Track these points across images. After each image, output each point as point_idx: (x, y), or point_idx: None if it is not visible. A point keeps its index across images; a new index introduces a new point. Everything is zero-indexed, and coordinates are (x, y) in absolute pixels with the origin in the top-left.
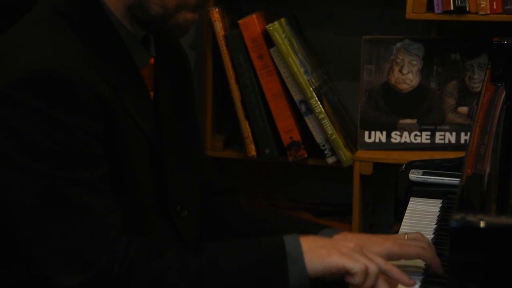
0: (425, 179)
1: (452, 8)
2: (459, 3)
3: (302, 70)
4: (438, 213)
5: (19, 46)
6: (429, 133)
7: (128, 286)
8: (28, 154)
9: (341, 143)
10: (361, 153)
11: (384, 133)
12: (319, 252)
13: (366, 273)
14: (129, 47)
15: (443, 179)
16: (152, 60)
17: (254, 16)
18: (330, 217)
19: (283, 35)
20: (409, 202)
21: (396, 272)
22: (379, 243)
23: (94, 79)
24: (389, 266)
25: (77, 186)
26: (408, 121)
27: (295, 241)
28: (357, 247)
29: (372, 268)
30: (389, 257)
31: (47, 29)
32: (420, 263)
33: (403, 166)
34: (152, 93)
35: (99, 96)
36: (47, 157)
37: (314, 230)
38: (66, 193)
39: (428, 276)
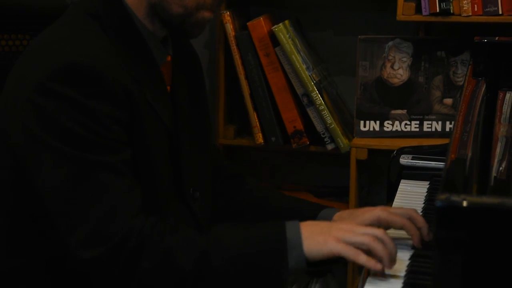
0: (414, 163)
1: (438, 10)
2: (444, 6)
3: (304, 66)
4: (425, 194)
5: (54, 43)
6: (417, 122)
7: (139, 260)
8: (59, 138)
9: (339, 132)
10: (357, 141)
11: (378, 122)
12: (317, 239)
13: (361, 252)
14: (150, 45)
15: (430, 163)
16: (169, 58)
17: (261, 18)
18: (330, 198)
19: (287, 36)
20: (400, 184)
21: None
22: (369, 211)
23: (119, 71)
24: (375, 244)
25: (102, 168)
26: (399, 111)
27: (296, 227)
28: (351, 227)
29: (367, 241)
30: (379, 223)
31: (78, 28)
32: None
33: (395, 152)
34: (169, 87)
35: (123, 87)
36: (77, 141)
37: (314, 210)
38: (91, 174)
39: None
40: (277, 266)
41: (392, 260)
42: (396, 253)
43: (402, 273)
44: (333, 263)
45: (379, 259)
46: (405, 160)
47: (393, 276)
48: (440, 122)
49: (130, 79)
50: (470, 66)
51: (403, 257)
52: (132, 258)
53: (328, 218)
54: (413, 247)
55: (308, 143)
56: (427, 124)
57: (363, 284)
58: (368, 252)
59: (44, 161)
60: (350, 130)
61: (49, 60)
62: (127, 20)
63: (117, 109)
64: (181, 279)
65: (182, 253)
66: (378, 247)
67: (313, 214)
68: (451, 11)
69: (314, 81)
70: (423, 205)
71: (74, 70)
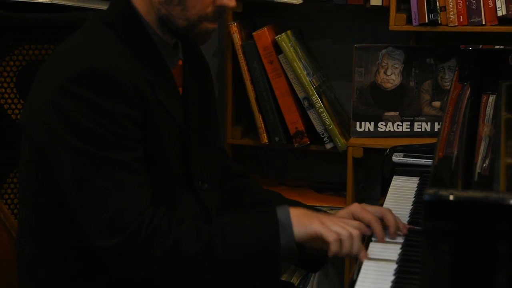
0: (406, 161)
1: (427, 21)
2: (433, 17)
3: (305, 72)
4: (416, 189)
5: (74, 49)
6: (409, 123)
7: (152, 248)
8: (79, 136)
9: (337, 132)
10: (353, 140)
11: (372, 123)
12: (303, 220)
13: (339, 240)
14: (161, 51)
15: (420, 161)
16: (180, 62)
17: (266, 29)
18: (329, 192)
19: (289, 44)
20: (393, 179)
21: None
22: (346, 208)
23: (133, 75)
24: (346, 240)
25: (117, 165)
26: (392, 113)
27: (285, 210)
28: (333, 218)
29: (344, 234)
30: (353, 216)
31: (96, 36)
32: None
33: (388, 150)
34: (181, 89)
35: (137, 88)
36: (95, 140)
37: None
38: (106, 170)
39: (408, 240)
40: (272, 245)
41: (352, 257)
42: (358, 250)
43: (394, 262)
44: (323, 259)
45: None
46: (397, 158)
47: (386, 263)
48: (429, 123)
49: (143, 82)
50: (456, 72)
51: (395, 246)
52: (145, 247)
53: None
54: (404, 238)
55: (308, 142)
56: (417, 125)
57: (359, 271)
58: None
59: (64, 158)
60: (347, 131)
61: (69, 65)
62: (140, 28)
63: (131, 109)
64: (188, 264)
65: (189, 242)
66: (346, 243)
67: None
68: (439, 21)
69: (314, 86)
70: (413, 199)
71: (91, 74)
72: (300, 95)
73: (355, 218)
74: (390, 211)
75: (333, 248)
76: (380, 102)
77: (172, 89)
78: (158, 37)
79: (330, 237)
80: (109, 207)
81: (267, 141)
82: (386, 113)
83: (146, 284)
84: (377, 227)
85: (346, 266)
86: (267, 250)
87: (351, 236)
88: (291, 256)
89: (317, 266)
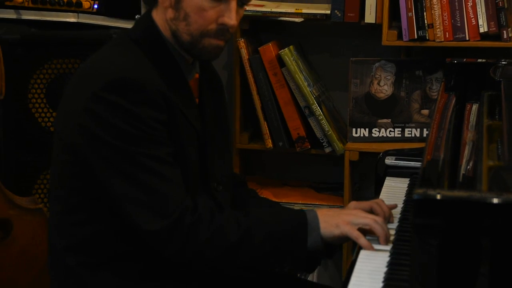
0: (397, 163)
1: (416, 37)
2: (421, 33)
3: (306, 83)
4: (406, 189)
5: (106, 61)
6: (400, 129)
7: (197, 232)
8: (115, 136)
9: (335, 137)
10: (350, 145)
11: (367, 129)
12: (330, 223)
13: (360, 237)
14: (180, 65)
15: (410, 163)
16: (197, 75)
17: (270, 44)
18: (327, 192)
19: (292, 58)
20: (385, 180)
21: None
22: (347, 208)
23: (157, 83)
24: (375, 225)
25: (152, 158)
26: (385, 120)
27: (314, 214)
28: (357, 211)
29: (371, 223)
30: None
31: (124, 50)
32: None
33: (381, 154)
34: (197, 99)
35: (162, 95)
36: (129, 138)
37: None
38: (146, 163)
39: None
40: (299, 245)
41: (387, 239)
42: (389, 233)
43: (386, 255)
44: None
45: (377, 237)
46: (389, 160)
47: (380, 255)
48: (418, 129)
49: (166, 90)
50: (442, 83)
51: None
52: (191, 231)
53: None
54: (395, 234)
55: (309, 147)
56: (408, 131)
57: (355, 263)
58: (367, 233)
59: (104, 156)
60: (344, 136)
61: (101, 75)
62: (161, 44)
63: (158, 113)
64: (228, 249)
65: (230, 229)
66: (377, 227)
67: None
68: (427, 37)
69: (314, 96)
70: (404, 198)
71: (122, 82)
72: (302, 104)
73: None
74: (381, 201)
75: (361, 242)
76: (374, 110)
77: (190, 99)
78: (177, 52)
79: (354, 236)
80: (155, 196)
81: (271, 145)
82: (380, 120)
83: (178, 270)
84: (373, 230)
85: (344, 259)
86: (295, 250)
87: (375, 221)
88: (316, 251)
89: (312, 267)
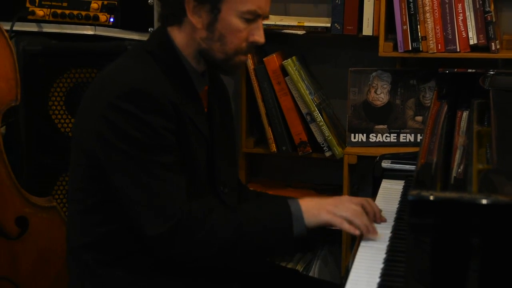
0: (393, 167)
1: (410, 48)
2: (415, 45)
3: (307, 92)
4: (401, 190)
5: (121, 71)
6: (395, 134)
7: (192, 234)
8: (125, 142)
9: (335, 142)
10: (349, 149)
11: (365, 135)
12: (312, 212)
13: (347, 221)
14: (192, 77)
15: (405, 166)
16: (206, 87)
17: (274, 55)
18: (328, 193)
19: (294, 68)
20: (382, 182)
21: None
22: (338, 197)
23: (169, 93)
24: (354, 218)
25: (160, 165)
26: (381, 126)
27: (296, 204)
28: (337, 201)
29: (350, 215)
30: None
31: (139, 61)
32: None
33: (378, 158)
34: (206, 109)
35: (173, 105)
36: (139, 145)
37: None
38: (153, 170)
39: (395, 233)
40: (286, 235)
41: (369, 230)
42: (371, 223)
43: (383, 252)
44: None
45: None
46: (385, 164)
47: (376, 253)
48: (413, 135)
49: (177, 100)
50: (435, 91)
51: (385, 237)
52: (188, 233)
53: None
54: (391, 232)
55: (310, 151)
56: (403, 136)
57: (353, 260)
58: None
59: (115, 161)
60: (343, 141)
61: (117, 85)
62: (175, 57)
63: (168, 122)
64: (223, 245)
65: (223, 226)
66: (355, 220)
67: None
68: (421, 49)
69: (315, 103)
70: (399, 198)
71: (136, 93)
72: (304, 111)
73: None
74: (371, 200)
75: (346, 228)
76: (371, 117)
77: (199, 108)
78: (190, 65)
79: (337, 223)
80: (158, 201)
81: (275, 149)
82: (376, 126)
83: (186, 267)
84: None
85: (343, 256)
86: (283, 239)
87: (356, 213)
88: (301, 237)
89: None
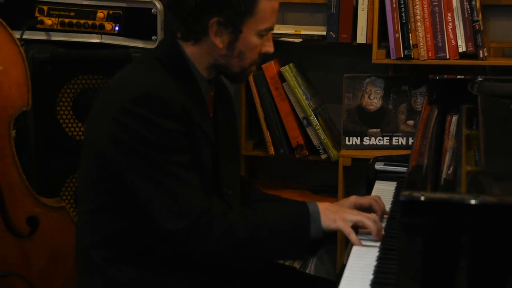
0: (386, 168)
1: (402, 56)
2: (407, 53)
3: (304, 97)
4: (394, 191)
5: (133, 78)
6: (388, 138)
7: (212, 232)
8: (141, 144)
9: (330, 145)
10: (343, 152)
11: (359, 138)
12: (329, 216)
13: (351, 233)
14: (199, 83)
15: (397, 168)
16: (212, 94)
17: (272, 62)
18: (323, 194)
19: (292, 74)
20: (375, 183)
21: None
22: (347, 199)
23: (178, 98)
24: (368, 221)
25: (176, 164)
26: (374, 130)
27: (316, 207)
28: (353, 210)
29: (361, 222)
30: (354, 204)
31: (149, 68)
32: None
33: (371, 160)
34: (212, 114)
35: (183, 108)
36: (153, 146)
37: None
38: (169, 169)
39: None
40: (302, 235)
41: (380, 233)
42: (382, 229)
43: (376, 250)
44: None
45: (370, 231)
46: (379, 166)
47: (371, 250)
48: (405, 138)
49: (185, 105)
50: (426, 97)
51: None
52: (206, 230)
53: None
54: (384, 231)
55: (307, 153)
56: (395, 139)
57: (347, 258)
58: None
59: (131, 162)
60: (338, 144)
61: (129, 90)
62: (184, 64)
63: (179, 125)
64: (240, 245)
65: (240, 226)
66: (369, 223)
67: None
68: (412, 56)
69: (312, 108)
70: (392, 199)
71: (148, 97)
72: (301, 115)
73: (355, 205)
74: (378, 198)
75: (351, 237)
76: (365, 121)
77: (206, 113)
78: (199, 73)
79: (346, 232)
80: (177, 199)
81: (273, 152)
82: (370, 130)
83: (193, 265)
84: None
85: (338, 254)
86: (299, 240)
87: (368, 218)
88: (316, 240)
89: (314, 251)
